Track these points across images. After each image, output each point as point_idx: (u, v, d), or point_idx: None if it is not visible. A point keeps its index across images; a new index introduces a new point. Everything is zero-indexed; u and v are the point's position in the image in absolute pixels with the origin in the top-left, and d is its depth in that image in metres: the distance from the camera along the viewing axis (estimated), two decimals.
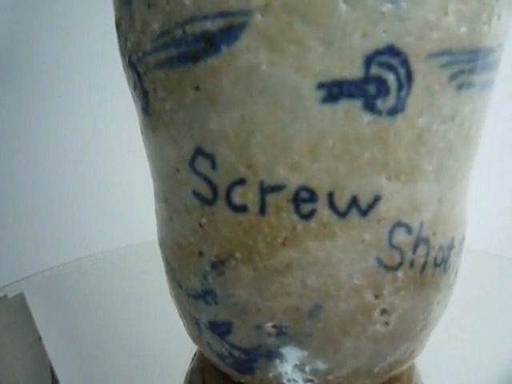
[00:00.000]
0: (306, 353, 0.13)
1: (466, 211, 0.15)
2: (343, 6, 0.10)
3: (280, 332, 0.13)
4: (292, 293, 0.13)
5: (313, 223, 0.12)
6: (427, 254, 0.13)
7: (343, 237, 0.12)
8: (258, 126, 0.11)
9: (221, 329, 0.14)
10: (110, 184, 0.35)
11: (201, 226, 0.13)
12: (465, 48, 0.12)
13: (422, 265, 0.13)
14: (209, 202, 0.13)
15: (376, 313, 0.13)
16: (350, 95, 0.11)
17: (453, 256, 0.14)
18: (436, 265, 0.14)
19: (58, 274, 0.24)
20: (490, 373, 0.18)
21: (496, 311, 0.22)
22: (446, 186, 0.13)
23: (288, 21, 0.10)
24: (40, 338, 0.17)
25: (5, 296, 0.21)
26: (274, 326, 0.13)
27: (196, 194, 0.13)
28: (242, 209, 0.12)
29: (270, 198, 0.12)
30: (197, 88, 0.12)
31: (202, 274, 0.14)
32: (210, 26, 0.11)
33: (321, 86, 0.11)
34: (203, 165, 0.12)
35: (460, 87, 0.12)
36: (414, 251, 0.13)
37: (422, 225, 0.13)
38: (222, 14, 0.11)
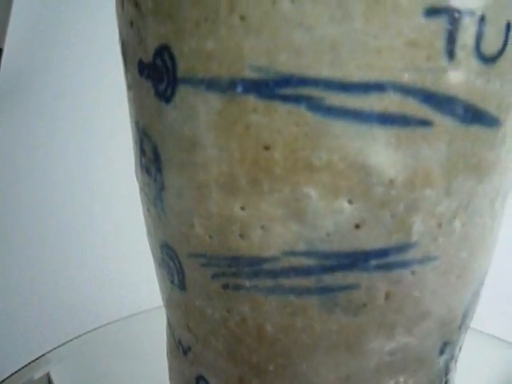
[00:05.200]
0: None
1: None
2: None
3: None
4: None
5: None
6: None
7: None
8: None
9: None
10: (127, 252, 0.29)
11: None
12: (219, 254, 0.11)
13: None
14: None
15: None
16: None
17: None
18: None
19: (81, 344, 0.22)
20: None
21: None
22: None
23: None
24: None
25: (31, 379, 0.19)
26: None
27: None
28: None
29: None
30: None
31: None
32: None
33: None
34: None
35: (225, 286, 0.11)
36: None
37: None
38: None
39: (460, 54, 0.10)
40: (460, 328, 0.13)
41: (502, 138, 0.11)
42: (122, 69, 0.13)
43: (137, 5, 0.12)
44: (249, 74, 0.10)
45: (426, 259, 0.11)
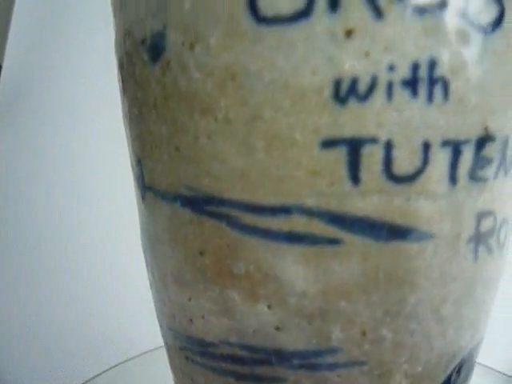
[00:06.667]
0: None
1: None
2: None
3: None
4: None
5: None
6: None
7: None
8: None
9: None
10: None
11: None
12: (180, 331, 0.13)
13: None
14: None
15: None
16: None
17: None
18: None
19: None
20: None
21: None
22: None
23: None
24: None
25: None
26: None
27: None
28: None
29: None
30: None
31: None
32: None
33: None
34: None
35: (187, 358, 0.13)
36: None
37: None
38: None
39: (366, 178, 0.10)
40: None
41: (434, 249, 0.11)
42: None
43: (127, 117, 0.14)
44: (185, 192, 0.12)
45: (351, 364, 0.11)
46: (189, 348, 0.13)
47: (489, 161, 0.11)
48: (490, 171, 0.11)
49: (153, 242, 0.14)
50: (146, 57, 0.12)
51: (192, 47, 0.10)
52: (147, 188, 0.13)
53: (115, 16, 0.13)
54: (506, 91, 0.11)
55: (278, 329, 0.11)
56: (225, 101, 0.10)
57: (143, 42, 0.12)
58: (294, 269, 0.11)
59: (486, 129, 0.11)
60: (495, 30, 0.10)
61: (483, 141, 0.11)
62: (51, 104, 0.32)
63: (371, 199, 0.10)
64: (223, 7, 0.10)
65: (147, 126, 0.12)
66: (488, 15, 0.10)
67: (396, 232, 0.11)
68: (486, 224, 0.12)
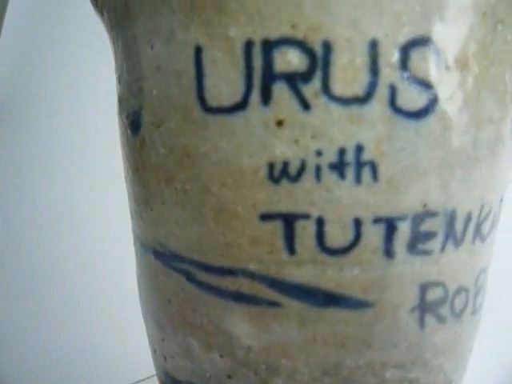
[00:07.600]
0: None
1: None
2: None
3: None
4: None
5: None
6: None
7: None
8: None
9: None
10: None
11: None
12: (158, 366, 0.14)
13: None
14: None
15: None
16: None
17: None
18: None
19: None
20: None
21: None
22: None
23: None
24: None
25: None
26: None
27: None
28: None
29: None
30: None
31: None
32: None
33: None
34: None
35: None
36: None
37: None
38: None
39: (301, 249, 0.11)
40: None
41: (375, 316, 0.11)
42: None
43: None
44: (157, 247, 0.13)
45: None
46: (165, 383, 0.15)
47: (431, 235, 0.11)
48: (433, 244, 0.12)
49: (139, 284, 0.15)
50: (129, 130, 0.13)
51: (159, 127, 0.12)
52: (135, 237, 0.15)
53: (117, 83, 0.16)
54: (445, 169, 0.11)
55: (229, 377, 0.13)
56: (182, 174, 0.12)
57: (128, 116, 0.14)
58: (240, 325, 0.12)
59: (424, 206, 0.11)
60: (428, 114, 0.11)
61: (422, 216, 0.11)
62: (48, 101, 0.30)
63: (306, 268, 0.11)
64: (179, 97, 0.11)
65: (133, 185, 0.14)
66: (419, 102, 0.10)
67: (332, 299, 0.11)
68: (434, 294, 0.12)
